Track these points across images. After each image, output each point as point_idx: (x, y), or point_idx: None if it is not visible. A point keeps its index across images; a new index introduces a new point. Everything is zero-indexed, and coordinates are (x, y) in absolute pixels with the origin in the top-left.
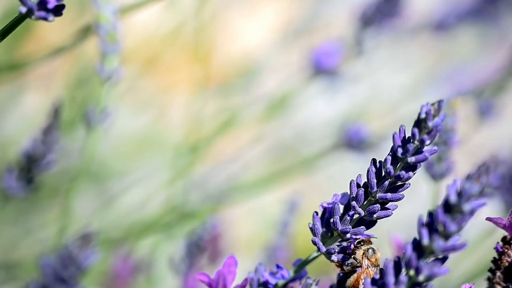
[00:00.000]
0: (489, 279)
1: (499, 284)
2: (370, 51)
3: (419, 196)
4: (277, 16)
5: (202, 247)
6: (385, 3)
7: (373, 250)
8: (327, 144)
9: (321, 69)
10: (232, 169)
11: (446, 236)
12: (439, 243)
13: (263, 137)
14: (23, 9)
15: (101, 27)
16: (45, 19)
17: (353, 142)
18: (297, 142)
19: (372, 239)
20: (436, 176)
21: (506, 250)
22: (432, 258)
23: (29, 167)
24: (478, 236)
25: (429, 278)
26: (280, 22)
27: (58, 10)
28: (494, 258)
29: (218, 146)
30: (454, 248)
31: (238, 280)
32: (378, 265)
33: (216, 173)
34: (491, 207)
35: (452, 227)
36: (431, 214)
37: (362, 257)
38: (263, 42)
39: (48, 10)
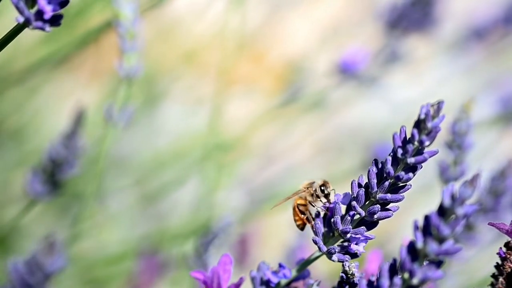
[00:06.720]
0: (492, 284)
1: None
2: (420, 57)
3: None
4: (332, 16)
5: (217, 245)
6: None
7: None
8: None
9: (348, 72)
10: (283, 172)
11: (440, 239)
12: (432, 246)
13: (315, 137)
14: (21, 19)
15: (120, 25)
16: (42, 29)
17: None
18: (350, 144)
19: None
20: (450, 180)
21: (509, 256)
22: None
23: (53, 171)
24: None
25: (423, 282)
26: (333, 21)
27: (55, 21)
28: (497, 263)
29: (270, 148)
30: (447, 252)
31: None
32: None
33: (267, 175)
34: None
35: (446, 230)
36: (427, 218)
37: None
38: (315, 41)
39: (44, 21)
